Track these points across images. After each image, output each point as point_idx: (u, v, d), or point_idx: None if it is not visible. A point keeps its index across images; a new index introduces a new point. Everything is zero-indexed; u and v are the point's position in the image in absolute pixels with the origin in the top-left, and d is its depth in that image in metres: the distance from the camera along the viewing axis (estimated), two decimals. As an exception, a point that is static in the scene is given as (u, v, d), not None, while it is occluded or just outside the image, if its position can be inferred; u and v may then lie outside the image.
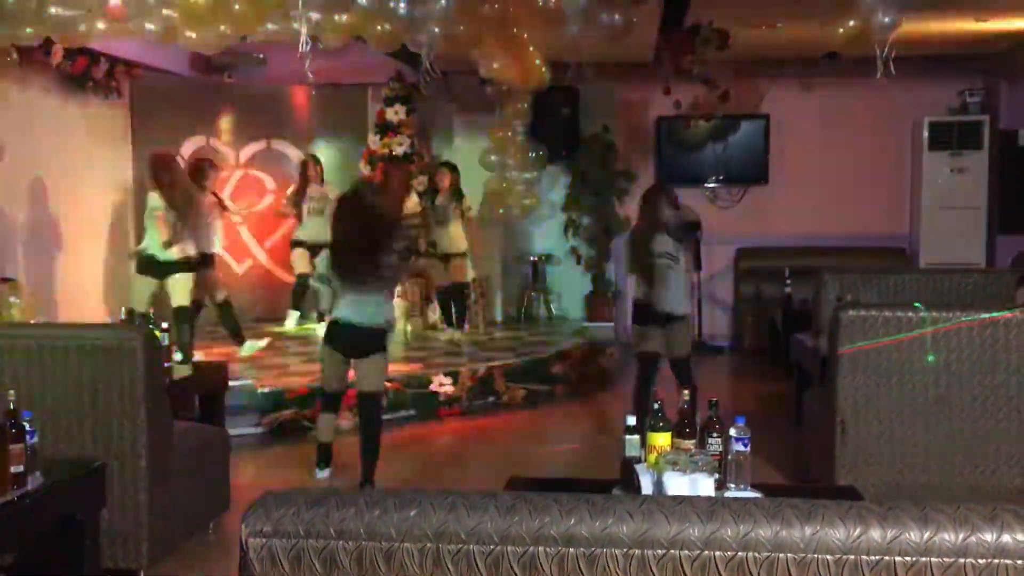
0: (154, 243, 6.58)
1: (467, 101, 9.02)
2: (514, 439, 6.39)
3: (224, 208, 8.11)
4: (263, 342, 7.74)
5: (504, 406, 7.08)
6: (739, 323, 9.70)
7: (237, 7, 5.21)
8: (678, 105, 9.06)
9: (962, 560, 1.39)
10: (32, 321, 6.08)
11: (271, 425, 6.33)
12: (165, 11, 5.29)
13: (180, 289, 6.69)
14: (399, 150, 8.93)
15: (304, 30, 4.92)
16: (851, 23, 4.90)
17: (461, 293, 8.53)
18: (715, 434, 2.92)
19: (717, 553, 1.42)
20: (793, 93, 9.45)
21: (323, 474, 5.29)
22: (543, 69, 6.94)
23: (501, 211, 8.12)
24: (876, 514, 1.43)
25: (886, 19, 4.81)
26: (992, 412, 4.01)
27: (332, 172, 9.39)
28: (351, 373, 5.22)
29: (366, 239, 4.90)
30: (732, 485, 2.84)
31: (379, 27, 5.80)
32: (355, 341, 5.02)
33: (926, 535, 1.40)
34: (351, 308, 4.95)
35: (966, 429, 4.03)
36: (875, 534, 1.40)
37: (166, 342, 4.74)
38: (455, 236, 8.43)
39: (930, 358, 3.97)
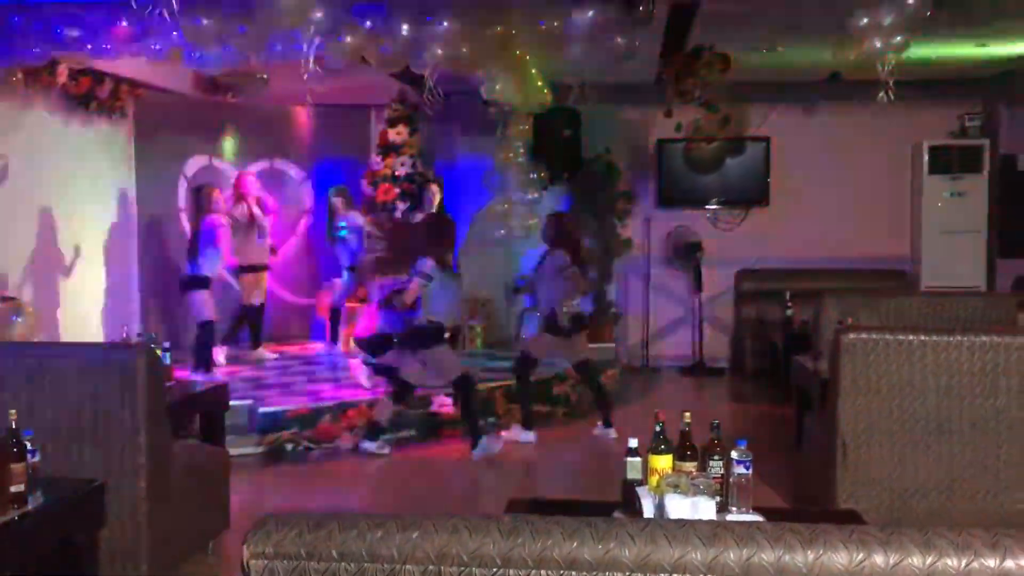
0: None
1: (469, 122, 9.06)
2: (514, 460, 6.37)
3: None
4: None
5: (504, 427, 7.06)
6: (739, 345, 9.69)
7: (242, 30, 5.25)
8: (679, 127, 9.09)
9: (965, 586, 1.39)
10: (34, 340, 6.08)
11: (271, 445, 6.31)
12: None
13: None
14: (401, 170, 8.96)
15: (309, 54, 4.95)
16: (861, 48, 4.92)
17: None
18: (716, 457, 2.91)
19: (719, 577, 1.42)
20: (794, 116, 9.50)
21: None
22: (545, 91, 6.98)
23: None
24: (879, 539, 1.43)
25: (890, 43, 4.84)
26: (993, 436, 4.00)
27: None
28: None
29: None
30: (734, 508, 2.83)
31: (382, 49, 5.83)
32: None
33: (928, 560, 1.40)
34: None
35: (967, 453, 4.02)
36: (878, 559, 1.40)
37: (167, 362, 4.74)
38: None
39: None
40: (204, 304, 7.54)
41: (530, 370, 6.97)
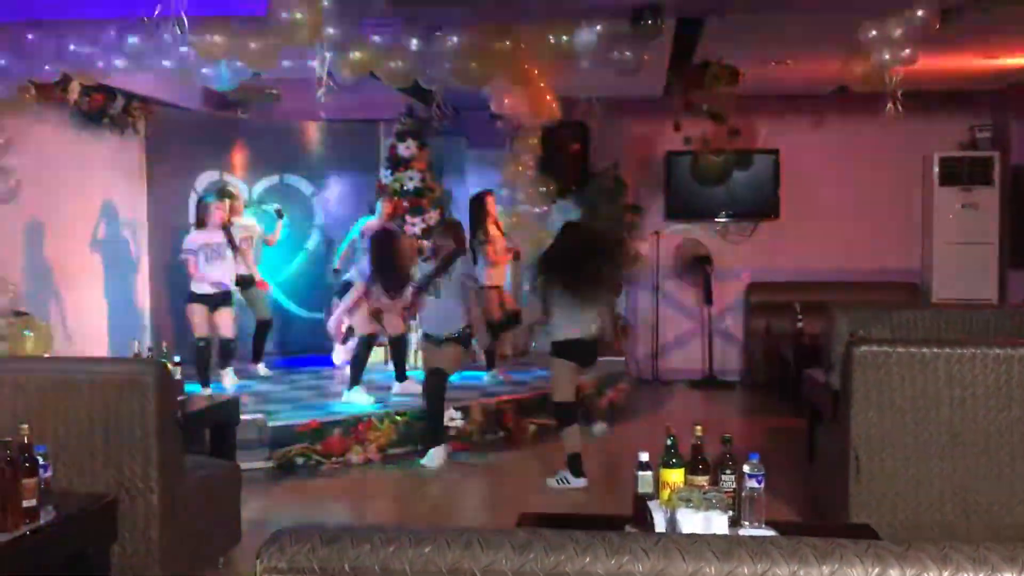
0: None
1: (478, 136, 9.08)
2: (524, 474, 6.35)
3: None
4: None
5: (514, 441, 7.05)
6: (750, 358, 9.67)
7: (253, 46, 5.29)
8: (688, 140, 9.10)
9: (982, 600, 1.37)
10: (46, 355, 6.10)
11: (281, 460, 6.31)
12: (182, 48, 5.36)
13: None
14: (410, 185, 8.99)
15: (322, 70, 4.98)
16: (868, 61, 4.92)
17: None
18: (728, 470, 2.90)
19: (734, 592, 1.41)
20: (803, 128, 9.49)
21: (581, 482, 5.83)
22: (554, 105, 7.01)
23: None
24: (895, 553, 1.41)
25: (898, 57, 4.84)
26: (1007, 448, 3.98)
27: (344, 207, 9.48)
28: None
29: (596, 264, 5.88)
30: (746, 522, 2.81)
31: (392, 64, 5.86)
32: (592, 351, 5.98)
33: (945, 575, 1.38)
34: (585, 326, 5.84)
35: (981, 466, 3.99)
36: (894, 573, 1.39)
37: (178, 376, 4.75)
38: None
39: None
40: (191, 319, 7.54)
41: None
